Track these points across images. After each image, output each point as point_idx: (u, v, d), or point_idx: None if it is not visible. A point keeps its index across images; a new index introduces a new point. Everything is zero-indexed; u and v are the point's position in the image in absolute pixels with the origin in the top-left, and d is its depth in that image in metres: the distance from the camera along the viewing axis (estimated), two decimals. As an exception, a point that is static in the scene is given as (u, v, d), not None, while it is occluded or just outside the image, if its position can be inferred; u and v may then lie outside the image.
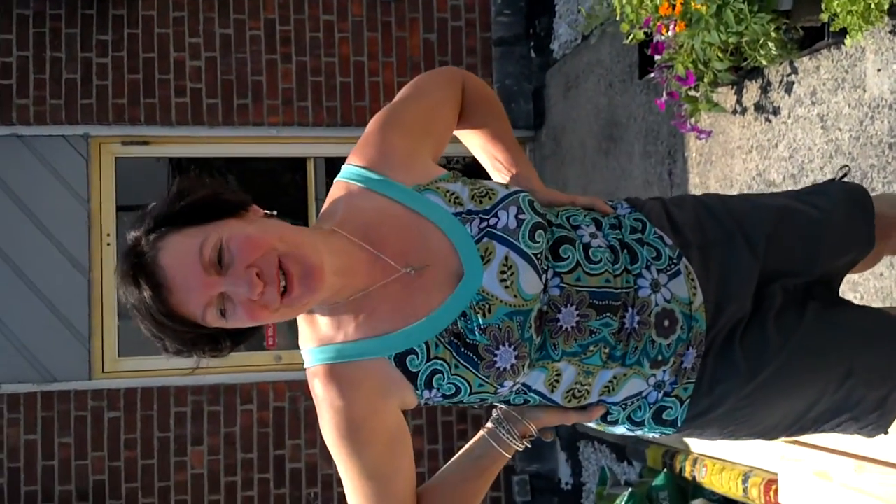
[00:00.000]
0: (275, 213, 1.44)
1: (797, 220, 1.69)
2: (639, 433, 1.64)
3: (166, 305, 1.31)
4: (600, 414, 1.57)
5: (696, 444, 3.70)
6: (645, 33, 3.57)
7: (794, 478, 2.55)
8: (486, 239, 1.44)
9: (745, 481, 3.26)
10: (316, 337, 1.47)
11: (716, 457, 3.57)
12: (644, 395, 1.57)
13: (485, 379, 1.44)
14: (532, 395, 1.53)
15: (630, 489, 3.85)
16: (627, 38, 3.66)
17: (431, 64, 5.48)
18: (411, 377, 1.44)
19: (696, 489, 3.67)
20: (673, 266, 1.55)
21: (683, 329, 1.53)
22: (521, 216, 1.46)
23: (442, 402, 1.50)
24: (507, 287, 1.42)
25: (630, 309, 1.50)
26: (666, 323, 1.52)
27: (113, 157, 5.37)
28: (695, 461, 3.64)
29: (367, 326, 1.44)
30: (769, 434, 1.70)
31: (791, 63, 3.23)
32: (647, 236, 1.58)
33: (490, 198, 1.49)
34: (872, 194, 1.82)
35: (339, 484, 5.25)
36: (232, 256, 1.32)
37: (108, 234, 5.31)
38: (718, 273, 1.59)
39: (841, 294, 1.87)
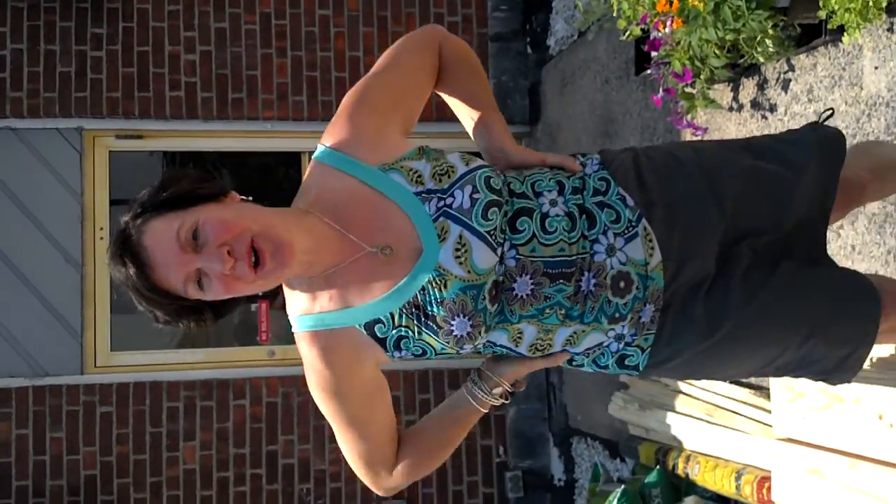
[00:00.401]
0: (251, 198, 1.60)
1: (766, 180, 1.74)
2: (604, 372, 1.76)
3: (150, 281, 1.49)
4: (565, 359, 1.71)
5: (690, 442, 3.70)
6: (642, 30, 3.56)
7: (788, 475, 2.55)
8: (442, 218, 1.56)
9: (738, 478, 3.26)
10: (298, 307, 1.64)
11: (709, 454, 3.57)
12: (605, 345, 1.69)
13: (445, 344, 1.60)
14: (498, 348, 1.68)
15: (623, 486, 3.84)
16: (624, 34, 3.65)
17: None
18: (380, 342, 1.61)
19: (689, 486, 3.67)
20: (631, 229, 1.64)
21: (639, 288, 1.63)
22: (475, 195, 1.56)
23: (413, 359, 1.66)
24: (461, 263, 1.54)
25: (586, 273, 1.60)
26: (622, 284, 1.62)
27: (107, 150, 5.34)
28: (688, 458, 3.64)
29: (339, 299, 1.60)
30: (728, 379, 1.81)
31: (788, 60, 3.22)
32: (610, 197, 1.66)
33: (449, 176, 1.59)
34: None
35: (332, 479, 5.26)
36: (207, 236, 1.48)
37: (102, 228, 5.29)
38: (683, 230, 1.66)
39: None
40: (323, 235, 1.58)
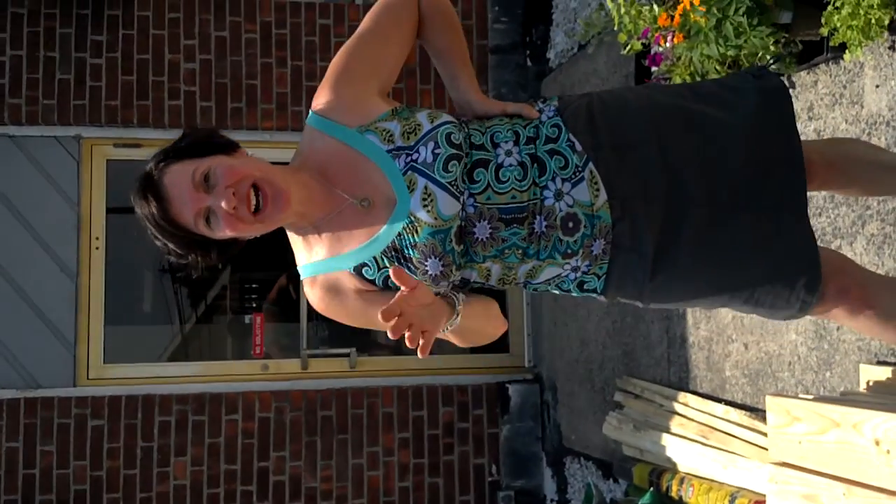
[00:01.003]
0: (255, 155, 1.86)
1: (708, 123, 1.90)
2: (570, 294, 1.98)
3: (167, 214, 1.74)
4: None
5: (684, 463, 3.63)
6: (643, 44, 3.52)
7: (782, 500, 2.49)
8: (410, 172, 1.79)
9: (732, 502, 3.21)
10: (302, 258, 1.92)
11: (703, 476, 3.51)
12: (563, 276, 1.90)
13: (423, 282, 1.76)
14: (473, 283, 1.92)
15: (617, 508, 3.78)
16: (625, 48, 3.62)
17: (427, 71, 5.43)
18: (370, 282, 1.86)
19: (684, 510, 3.61)
20: (578, 173, 1.83)
21: (587, 227, 1.83)
22: (436, 150, 1.77)
23: None
24: (429, 211, 1.77)
25: (538, 216, 1.82)
26: (570, 224, 1.82)
27: (104, 159, 5.30)
28: (682, 480, 3.58)
29: (330, 248, 1.86)
30: (678, 308, 1.95)
31: (789, 77, 3.18)
32: (560, 144, 1.85)
33: (416, 133, 1.81)
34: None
35: (324, 497, 5.17)
36: (217, 179, 1.73)
37: (97, 238, 5.25)
38: (628, 171, 1.84)
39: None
40: (313, 189, 1.83)
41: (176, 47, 5.30)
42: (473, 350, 5.67)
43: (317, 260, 1.89)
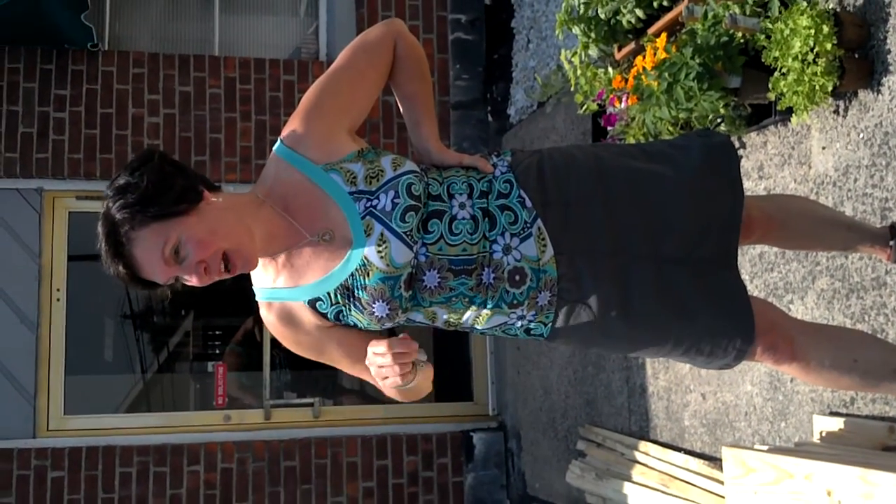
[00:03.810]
0: (219, 185, 1.90)
1: (655, 181, 1.98)
2: (516, 337, 2.03)
3: (136, 276, 1.78)
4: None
5: (646, 512, 3.70)
6: (598, 105, 3.64)
7: (741, 550, 2.57)
8: (368, 217, 1.84)
9: (693, 551, 3.27)
10: (259, 281, 1.96)
11: (665, 525, 3.58)
12: (509, 323, 1.96)
13: (370, 321, 1.89)
14: (417, 324, 1.99)
15: (580, 557, 3.83)
16: (581, 108, 3.74)
17: (390, 126, 5.53)
18: (322, 316, 1.92)
19: (646, 557, 3.67)
20: (526, 229, 1.90)
21: (533, 280, 1.90)
22: (396, 200, 1.83)
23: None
24: (382, 257, 1.82)
25: (486, 268, 1.88)
26: (517, 277, 1.89)
27: (66, 211, 5.32)
28: (644, 529, 3.64)
29: (288, 278, 1.92)
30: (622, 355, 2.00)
31: (739, 138, 3.31)
32: (511, 200, 1.92)
33: (378, 179, 1.86)
34: None
35: (286, 550, 5.03)
36: (187, 254, 1.76)
37: (59, 290, 5.25)
38: (575, 228, 1.92)
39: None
40: (275, 224, 1.87)
41: (140, 101, 5.35)
42: (438, 398, 5.72)
43: (274, 287, 1.93)
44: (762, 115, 3.10)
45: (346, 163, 1.89)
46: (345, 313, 1.90)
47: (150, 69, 5.40)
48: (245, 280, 1.99)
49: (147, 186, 1.75)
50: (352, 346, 1.95)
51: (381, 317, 1.87)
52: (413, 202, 1.84)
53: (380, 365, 1.75)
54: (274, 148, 1.95)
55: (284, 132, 1.93)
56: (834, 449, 2.72)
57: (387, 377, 1.76)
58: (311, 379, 5.87)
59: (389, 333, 2.01)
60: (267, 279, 1.94)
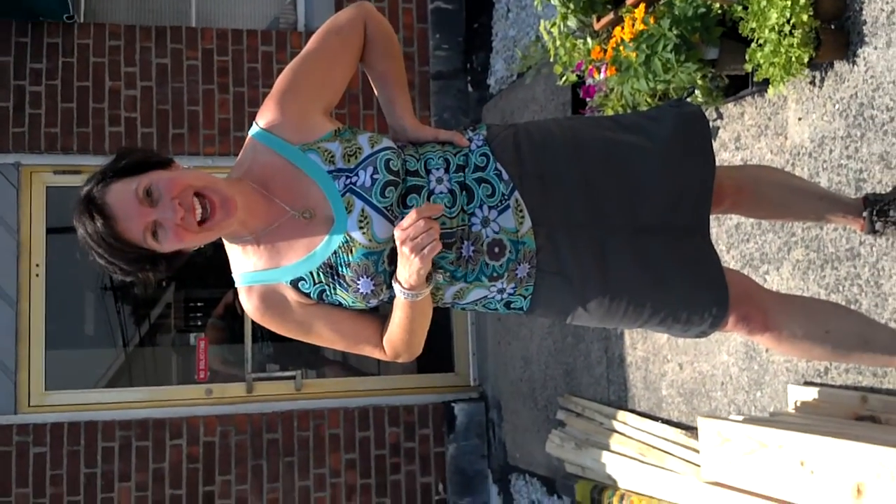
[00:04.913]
0: (191, 167, 1.91)
1: (628, 151, 2.00)
2: (497, 312, 2.05)
3: (114, 231, 1.75)
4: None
5: (623, 480, 3.74)
6: (577, 76, 3.63)
7: (716, 518, 2.60)
8: (348, 194, 1.85)
9: (670, 519, 3.31)
10: (238, 266, 1.95)
11: (642, 493, 3.62)
12: (490, 297, 1.98)
13: (355, 299, 1.89)
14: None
15: (560, 525, 3.87)
16: (561, 79, 3.73)
17: (370, 96, 5.50)
18: (305, 296, 1.91)
19: (624, 525, 3.71)
20: (504, 201, 1.91)
21: (512, 252, 1.92)
22: (375, 176, 1.84)
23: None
24: (364, 233, 1.83)
25: (465, 242, 1.90)
26: (496, 250, 1.91)
27: (44, 186, 5.28)
28: (622, 497, 3.68)
29: (269, 259, 1.91)
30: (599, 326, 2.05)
31: (717, 109, 3.31)
32: (488, 173, 1.93)
33: (356, 157, 1.87)
34: None
35: (269, 521, 5.06)
36: (160, 193, 1.76)
37: (38, 265, 5.22)
38: (552, 200, 1.93)
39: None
40: (254, 200, 1.87)
41: (116, 74, 5.30)
42: (419, 369, 5.75)
43: (255, 270, 1.93)
44: (739, 86, 3.11)
45: (323, 142, 1.90)
46: (328, 292, 1.90)
47: (127, 41, 5.34)
48: (225, 252, 1.99)
49: (116, 155, 1.82)
50: (338, 324, 1.96)
51: (366, 293, 1.88)
52: (392, 177, 1.85)
53: (413, 234, 1.72)
54: (250, 132, 1.95)
55: (259, 116, 1.94)
56: (808, 419, 2.76)
57: (423, 247, 1.73)
58: (293, 351, 5.87)
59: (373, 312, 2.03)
60: (247, 264, 1.94)
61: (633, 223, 1.97)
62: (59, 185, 5.27)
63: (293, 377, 5.52)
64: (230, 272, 2.00)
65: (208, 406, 5.33)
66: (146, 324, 6.35)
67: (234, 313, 5.67)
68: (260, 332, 5.63)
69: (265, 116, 1.93)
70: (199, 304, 6.43)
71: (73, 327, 5.91)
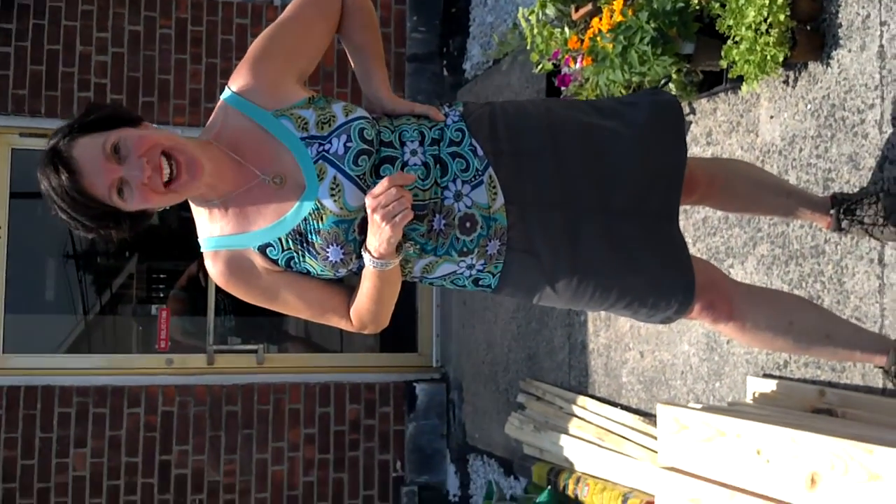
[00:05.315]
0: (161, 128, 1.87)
1: (603, 135, 2.02)
2: (464, 289, 2.06)
3: (79, 185, 1.71)
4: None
5: (580, 464, 3.80)
6: (553, 65, 3.66)
7: (670, 502, 2.65)
8: (321, 161, 1.84)
9: (624, 502, 3.37)
10: (204, 231, 1.94)
11: (598, 476, 3.68)
12: (458, 273, 1.99)
13: (323, 267, 1.89)
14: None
15: (515, 505, 3.93)
16: (536, 67, 3.75)
17: (344, 75, 5.49)
18: (273, 262, 1.90)
19: (579, 508, 3.77)
20: (478, 176, 1.92)
21: (483, 228, 1.93)
22: (348, 144, 1.84)
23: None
24: (335, 201, 1.83)
25: (437, 215, 1.90)
26: (468, 224, 1.92)
27: (9, 148, 5.21)
28: (578, 480, 3.74)
29: (236, 224, 1.90)
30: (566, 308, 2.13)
31: (690, 104, 3.36)
32: (463, 148, 1.93)
33: (330, 124, 1.87)
34: None
35: (226, 491, 5.18)
36: (128, 150, 1.73)
37: (0, 228, 5.15)
38: (526, 178, 1.95)
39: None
40: (224, 163, 1.85)
41: (88, 39, 5.24)
42: (382, 348, 5.77)
43: (221, 234, 1.91)
44: (713, 82, 3.15)
45: (297, 109, 1.89)
46: (297, 260, 1.90)
47: (100, 6, 5.27)
48: (191, 224, 1.98)
49: (85, 110, 1.81)
50: (305, 292, 1.96)
51: (336, 262, 1.88)
52: (365, 146, 1.85)
53: (385, 202, 1.73)
54: (221, 96, 1.94)
55: (232, 80, 1.93)
56: (765, 410, 2.82)
57: (395, 215, 1.73)
58: (256, 326, 5.87)
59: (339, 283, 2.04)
60: (214, 228, 1.92)
61: (606, 206, 2.00)
62: (24, 147, 5.20)
63: (255, 351, 5.52)
64: (195, 244, 1.99)
65: (168, 376, 5.32)
66: (108, 293, 6.31)
67: (198, 285, 5.65)
68: (223, 305, 5.61)
69: (238, 81, 1.92)
70: (161, 275, 6.39)
71: (34, 292, 5.85)
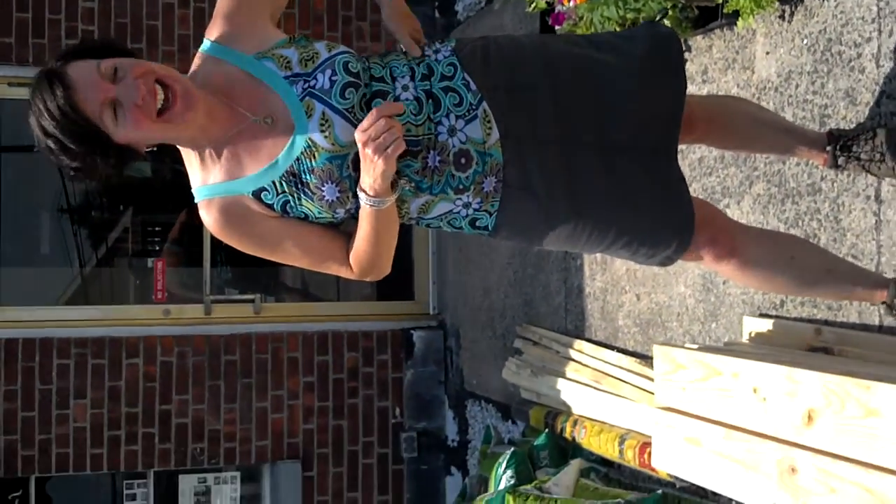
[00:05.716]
0: None
1: (599, 68, 1.98)
2: (461, 231, 2.03)
3: (72, 100, 1.68)
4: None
5: (577, 407, 3.81)
6: (547, 3, 3.59)
7: (667, 442, 2.66)
8: (307, 98, 1.82)
9: (621, 443, 3.38)
10: (197, 180, 1.91)
11: (595, 419, 3.69)
12: (455, 212, 1.96)
13: (320, 208, 1.86)
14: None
15: (513, 448, 3.94)
16: (530, 5, 3.69)
17: (334, 19, 5.41)
18: (269, 207, 1.87)
19: (576, 449, 3.78)
20: (472, 111, 1.89)
21: (478, 164, 1.89)
22: (334, 77, 1.82)
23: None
24: (326, 136, 1.80)
25: (431, 151, 1.87)
26: (463, 160, 1.89)
27: (-2, 98, 5.15)
28: (575, 422, 3.75)
29: (228, 171, 1.87)
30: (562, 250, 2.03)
31: (685, 41, 3.30)
32: (455, 82, 1.90)
33: (313, 61, 1.85)
34: None
35: (227, 439, 5.19)
36: (125, 72, 1.71)
37: (-9, 179, 5.12)
38: (520, 112, 1.91)
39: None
40: (213, 105, 1.83)
41: (74, -16, 5.15)
42: (379, 297, 5.77)
43: (214, 182, 1.89)
44: (709, 18, 3.09)
45: (278, 49, 1.88)
46: (293, 203, 1.87)
47: (85, -49, 5.18)
48: (184, 177, 1.95)
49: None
50: (303, 239, 1.93)
51: (332, 200, 1.85)
52: (351, 78, 1.83)
53: (374, 134, 1.71)
54: (200, 49, 1.92)
55: (209, 31, 1.91)
56: (761, 349, 2.81)
57: (386, 147, 1.71)
58: (252, 276, 5.85)
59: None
60: (206, 176, 1.90)
61: (603, 140, 1.95)
62: (13, 97, 5.13)
63: (252, 300, 5.51)
64: (189, 197, 1.95)
65: (165, 326, 5.32)
66: (104, 246, 6.28)
67: (194, 235, 5.63)
68: (219, 256, 5.59)
69: (214, 31, 1.90)
70: (156, 228, 6.36)
71: (29, 245, 5.83)
